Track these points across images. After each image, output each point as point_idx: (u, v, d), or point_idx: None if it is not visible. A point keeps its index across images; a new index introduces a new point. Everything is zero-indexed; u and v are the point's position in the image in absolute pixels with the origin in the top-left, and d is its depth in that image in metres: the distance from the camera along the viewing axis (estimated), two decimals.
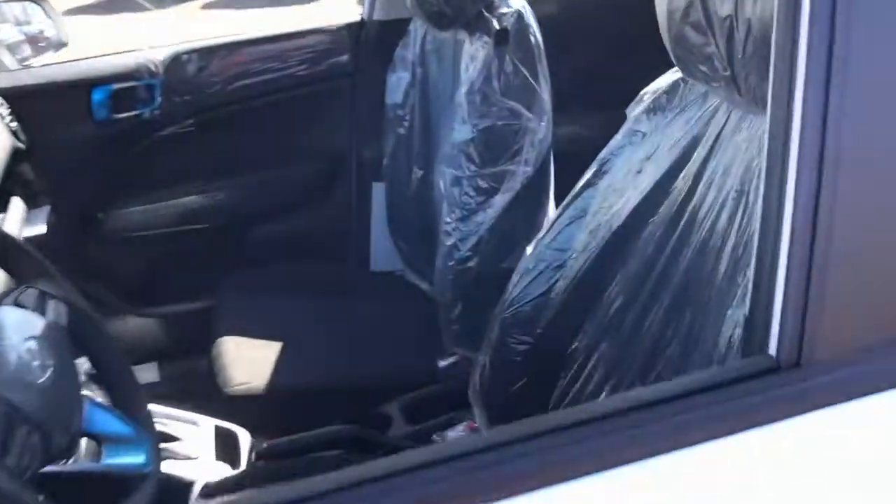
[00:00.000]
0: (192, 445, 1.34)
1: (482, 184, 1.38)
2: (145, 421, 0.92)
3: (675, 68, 1.09)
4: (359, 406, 1.48)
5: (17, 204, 1.68)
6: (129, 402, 0.93)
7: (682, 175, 0.96)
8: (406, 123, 1.79)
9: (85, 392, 0.89)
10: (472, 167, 1.38)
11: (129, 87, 1.78)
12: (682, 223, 0.95)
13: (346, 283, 1.94)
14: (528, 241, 1.43)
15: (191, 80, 1.84)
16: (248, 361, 1.53)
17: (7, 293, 0.88)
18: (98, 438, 0.87)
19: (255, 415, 1.43)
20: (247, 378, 1.47)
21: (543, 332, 1.13)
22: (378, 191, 2.01)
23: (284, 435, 1.44)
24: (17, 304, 0.87)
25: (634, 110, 1.08)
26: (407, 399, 1.47)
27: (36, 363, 0.79)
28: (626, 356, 1.03)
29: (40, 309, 0.88)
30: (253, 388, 1.44)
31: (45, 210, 1.75)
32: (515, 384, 1.16)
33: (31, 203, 1.75)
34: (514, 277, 1.16)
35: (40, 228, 1.68)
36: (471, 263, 1.41)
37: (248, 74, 1.89)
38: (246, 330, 1.64)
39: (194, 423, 1.39)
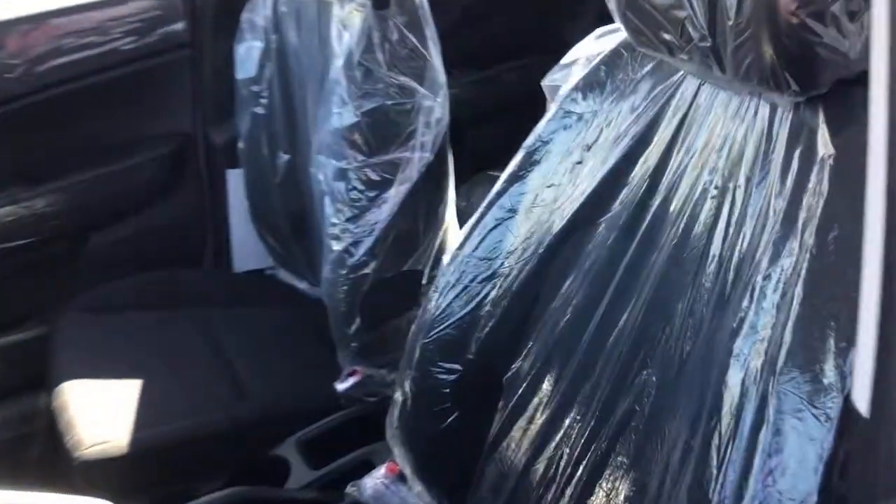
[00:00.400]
0: None
1: (373, 175, 1.16)
2: None
3: (602, 31, 0.92)
4: (245, 451, 1.25)
5: None
6: None
7: (638, 167, 0.79)
8: (264, 101, 1.52)
9: None
10: (360, 157, 1.15)
11: None
12: (644, 224, 0.79)
13: (207, 291, 1.67)
14: (432, 238, 1.25)
15: None
16: (100, 410, 1.25)
17: None
18: None
19: (117, 482, 1.17)
20: (100, 436, 1.20)
21: (475, 358, 0.94)
22: (234, 179, 1.74)
23: (159, 501, 1.19)
24: None
25: (562, 86, 0.90)
26: (304, 436, 1.25)
27: None
28: (583, 381, 0.86)
29: None
30: (110, 449, 1.17)
31: None
32: (445, 420, 0.97)
33: None
34: (433, 295, 0.96)
35: None
36: (367, 270, 1.20)
37: (59, 52, 1.55)
38: (91, 367, 1.36)
39: None
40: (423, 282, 1.26)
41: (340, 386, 1.32)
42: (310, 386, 1.34)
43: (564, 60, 0.96)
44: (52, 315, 1.58)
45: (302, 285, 1.68)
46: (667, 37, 0.70)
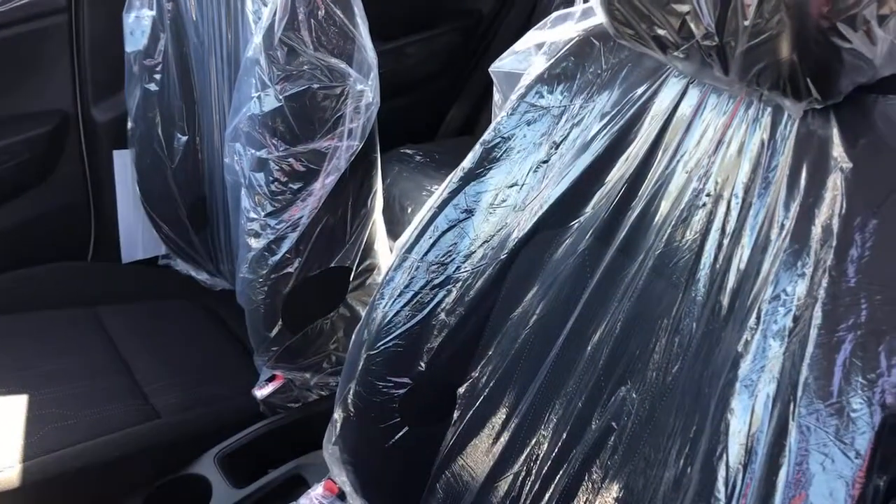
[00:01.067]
0: None
1: (297, 166, 1.05)
2: None
3: (558, 16, 0.85)
4: (157, 473, 1.13)
5: None
6: None
7: (616, 169, 0.74)
8: (158, 77, 1.37)
9: None
10: (282, 145, 1.04)
11: None
12: (623, 230, 0.73)
13: (96, 286, 1.51)
14: (360, 231, 1.16)
15: None
16: None
17: None
18: None
19: None
20: None
21: (427, 370, 0.87)
22: (121, 161, 1.57)
23: None
24: None
25: (523, 78, 0.83)
26: (222, 451, 1.14)
27: None
28: (551, 396, 0.80)
29: None
30: (2, 482, 1.03)
31: None
32: (393, 436, 0.89)
33: None
34: (379, 302, 0.87)
35: None
36: (290, 268, 1.10)
37: None
38: None
39: None
40: (350, 278, 1.17)
41: (259, 393, 1.21)
42: (223, 394, 1.23)
43: (517, 47, 0.88)
44: None
45: (201, 276, 1.55)
46: (661, 32, 0.63)
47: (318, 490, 0.98)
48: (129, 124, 1.46)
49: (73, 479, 1.06)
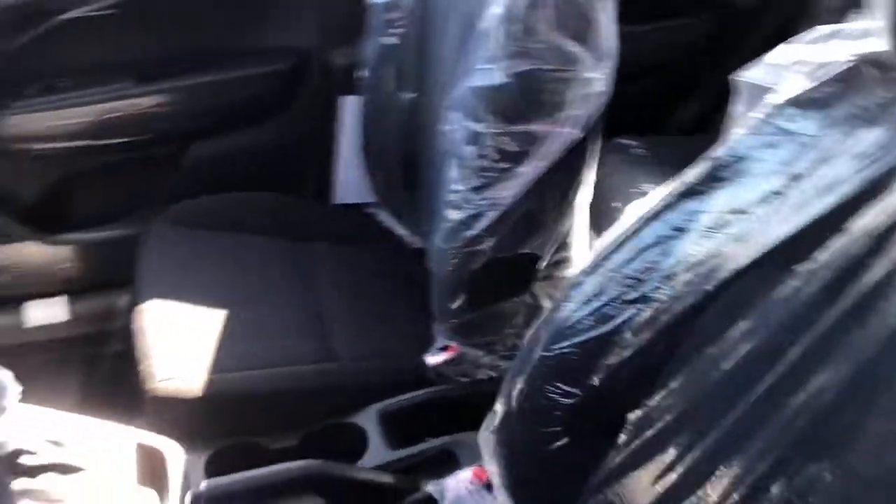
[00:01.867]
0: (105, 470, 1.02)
1: (509, 146, 1.02)
2: None
3: (832, 31, 0.75)
4: (325, 413, 1.16)
5: None
6: None
7: (863, 218, 0.64)
8: (397, 31, 1.39)
9: None
10: (499, 123, 1.01)
11: None
12: (859, 288, 0.63)
13: (307, 221, 1.57)
14: (560, 223, 1.11)
15: None
16: (178, 341, 1.18)
17: None
18: None
19: (185, 423, 1.10)
20: (174, 371, 1.13)
21: (599, 386, 0.81)
22: (348, 106, 1.62)
23: (228, 450, 1.12)
24: None
25: (772, 94, 0.74)
26: (387, 408, 1.15)
27: None
28: (731, 448, 0.73)
29: None
30: (182, 388, 1.10)
31: None
32: (551, 444, 0.85)
33: None
34: (564, 304, 0.83)
35: None
36: (482, 246, 1.08)
37: None
38: (176, 287, 1.29)
39: (107, 437, 1.05)
40: (541, 268, 1.13)
41: (432, 359, 1.22)
42: (398, 351, 1.24)
43: (770, 58, 0.79)
44: (143, 219, 1.53)
45: (401, 231, 1.58)
46: None
47: (466, 474, 0.96)
48: (363, 72, 1.50)
49: (245, 401, 1.12)
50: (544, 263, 1.13)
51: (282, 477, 1.00)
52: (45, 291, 1.68)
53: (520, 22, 0.97)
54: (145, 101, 1.52)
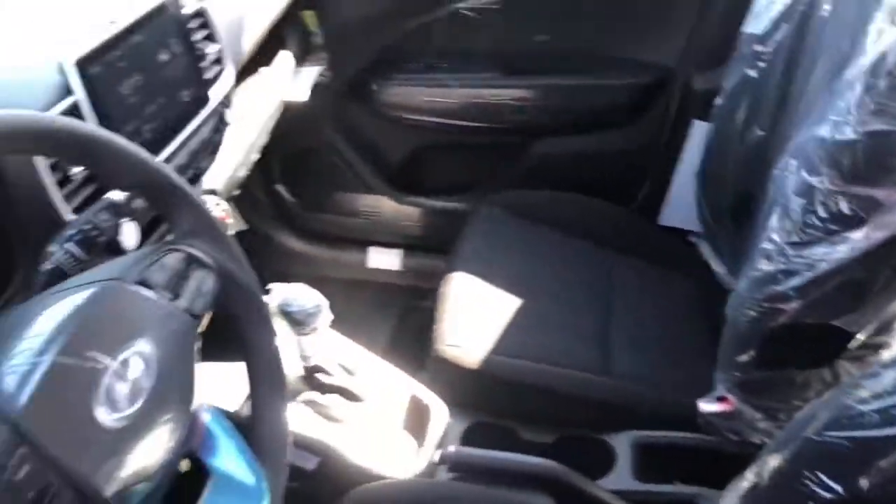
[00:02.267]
0: (381, 407, 1.15)
1: (843, 207, 0.94)
2: (276, 475, 0.70)
3: None
4: (582, 424, 1.18)
5: (285, 58, 1.51)
6: (267, 438, 0.72)
7: None
8: (762, 65, 1.33)
9: (207, 410, 0.68)
10: (837, 181, 0.93)
11: None
12: None
13: (627, 234, 1.58)
14: (885, 303, 1.00)
15: None
16: (473, 315, 1.27)
17: (151, 252, 0.67)
18: (203, 471, 0.66)
19: (456, 389, 1.19)
20: (460, 340, 1.22)
21: (866, 494, 0.73)
22: (697, 131, 1.59)
23: (486, 427, 1.19)
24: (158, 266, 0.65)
25: None
26: (643, 438, 1.14)
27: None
28: None
29: (180, 277, 0.66)
30: (462, 357, 1.19)
31: (313, 70, 1.56)
32: None
33: (303, 59, 1.58)
34: (854, 388, 0.75)
35: (304, 91, 1.51)
36: (787, 306, 1.00)
37: None
38: (486, 266, 1.38)
39: (390, 380, 1.18)
40: (852, 346, 1.02)
41: (705, 406, 1.17)
42: (674, 387, 1.21)
43: None
44: (476, 198, 1.65)
45: (719, 269, 1.52)
46: None
47: None
48: (718, 100, 1.46)
49: (511, 387, 1.18)
50: (858, 342, 1.03)
51: (525, 468, 1.04)
52: (387, 241, 1.91)
53: (885, 78, 0.88)
54: (507, 93, 1.64)
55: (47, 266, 0.70)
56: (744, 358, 1.08)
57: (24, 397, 0.52)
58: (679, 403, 1.18)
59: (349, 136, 1.77)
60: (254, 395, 0.74)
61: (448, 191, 1.80)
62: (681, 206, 1.65)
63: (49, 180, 0.78)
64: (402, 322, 1.85)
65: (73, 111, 0.81)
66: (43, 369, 0.53)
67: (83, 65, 0.83)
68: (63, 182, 0.80)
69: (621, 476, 1.10)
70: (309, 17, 1.59)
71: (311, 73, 1.54)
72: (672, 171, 1.65)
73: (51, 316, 0.57)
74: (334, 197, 1.88)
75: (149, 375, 0.58)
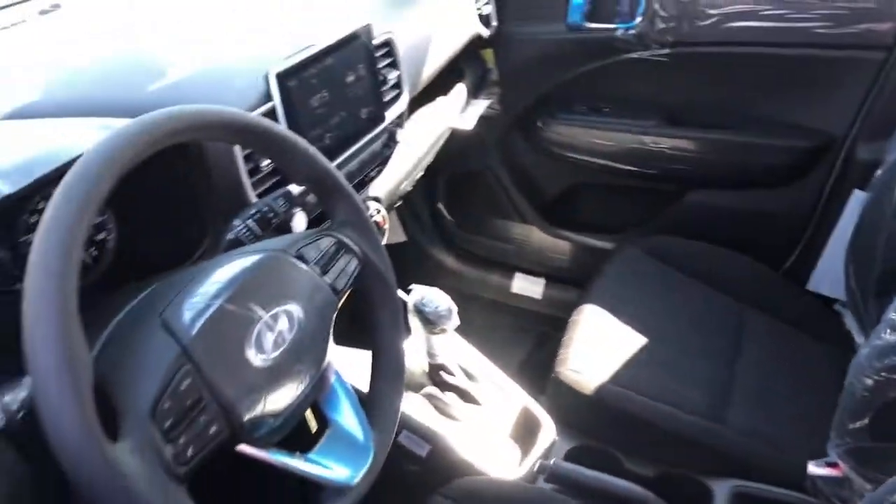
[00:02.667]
0: (492, 413, 1.24)
1: None
2: (383, 438, 0.81)
3: None
4: (680, 463, 1.21)
5: (460, 90, 1.65)
6: (381, 406, 0.83)
7: None
8: None
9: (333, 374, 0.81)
10: None
11: None
12: None
13: (766, 292, 1.59)
14: None
15: (681, 5, 1.57)
16: (597, 344, 1.34)
17: (311, 234, 0.81)
18: (319, 424, 0.79)
19: (569, 413, 1.26)
20: (581, 366, 1.29)
21: None
22: (856, 201, 1.57)
23: (590, 450, 1.25)
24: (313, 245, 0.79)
25: None
26: (745, 488, 1.16)
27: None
28: None
29: (329, 258, 0.80)
30: (580, 383, 1.26)
31: (484, 103, 1.70)
32: None
33: (477, 92, 1.72)
34: None
35: (471, 121, 1.64)
36: None
37: (755, 16, 1.55)
38: (617, 301, 1.44)
39: (507, 391, 1.27)
40: None
41: (814, 469, 1.17)
42: (787, 446, 1.22)
43: None
44: (619, 237, 1.71)
45: (859, 340, 1.49)
46: None
47: None
48: (878, 172, 1.45)
49: (621, 418, 1.23)
50: None
51: (621, 493, 1.09)
52: (532, 269, 2.01)
53: None
54: (667, 142, 1.69)
55: (230, 235, 0.85)
56: (857, 425, 1.08)
57: (195, 328, 0.66)
58: (788, 462, 1.19)
59: (510, 166, 1.89)
60: (374, 370, 0.86)
61: (596, 228, 1.87)
62: (831, 272, 1.63)
63: (242, 168, 0.94)
64: (537, 348, 1.93)
65: (271, 114, 0.98)
66: (212, 310, 0.67)
67: (283, 78, 1.00)
68: (253, 171, 0.97)
69: None
70: (488, 54, 1.73)
71: (482, 106, 1.67)
72: (826, 238, 1.63)
73: (226, 271, 0.72)
74: (489, 221, 2.00)
75: (291, 331, 0.72)
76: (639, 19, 1.59)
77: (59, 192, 0.58)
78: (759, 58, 1.58)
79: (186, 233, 0.94)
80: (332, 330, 0.78)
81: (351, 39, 1.13)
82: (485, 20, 1.62)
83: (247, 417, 0.67)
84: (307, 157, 0.81)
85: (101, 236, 0.88)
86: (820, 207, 1.65)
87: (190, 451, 0.62)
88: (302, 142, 0.80)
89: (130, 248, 0.90)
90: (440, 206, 2.04)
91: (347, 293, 0.81)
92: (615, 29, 1.61)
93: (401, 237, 2.04)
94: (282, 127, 0.80)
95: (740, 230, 1.70)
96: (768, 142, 1.63)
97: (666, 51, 1.61)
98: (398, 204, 1.52)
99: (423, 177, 1.64)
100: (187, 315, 0.67)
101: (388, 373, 0.85)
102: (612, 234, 1.84)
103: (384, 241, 1.24)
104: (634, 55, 1.63)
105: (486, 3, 1.63)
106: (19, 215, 0.75)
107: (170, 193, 0.93)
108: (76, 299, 0.56)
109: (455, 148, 1.70)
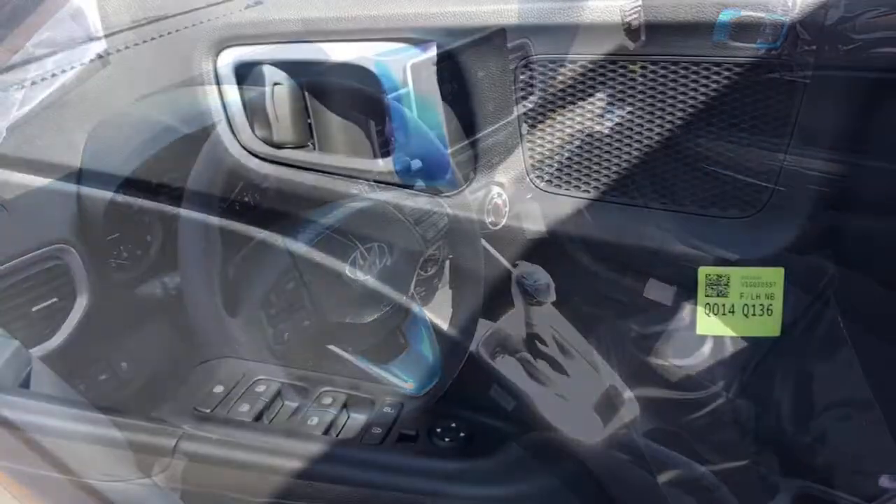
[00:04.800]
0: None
1: None
2: (448, 367, 0.97)
3: None
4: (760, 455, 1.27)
5: None
6: (454, 342, 0.99)
7: None
8: None
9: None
10: None
11: (756, 16, 1.64)
12: None
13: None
14: None
15: (826, 29, 1.59)
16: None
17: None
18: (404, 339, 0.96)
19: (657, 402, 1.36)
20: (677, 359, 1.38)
21: None
22: None
23: (665, 434, 1.34)
24: None
25: None
26: (811, 490, 1.20)
27: None
28: None
29: (424, 212, 0.97)
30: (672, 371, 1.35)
31: None
32: None
33: None
34: None
35: None
36: None
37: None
38: None
39: (598, 368, 1.38)
40: None
41: (885, 482, 1.19)
42: (863, 455, 1.24)
43: None
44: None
45: None
46: None
47: None
48: None
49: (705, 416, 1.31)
50: None
51: (689, 475, 1.18)
52: (666, 277, 2.06)
53: None
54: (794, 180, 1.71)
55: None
56: None
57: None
58: (860, 471, 1.22)
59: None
60: (453, 315, 1.02)
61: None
62: None
63: None
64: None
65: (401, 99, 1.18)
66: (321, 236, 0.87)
67: (416, 69, 1.19)
68: None
69: None
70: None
71: None
72: None
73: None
74: None
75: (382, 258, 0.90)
76: (781, 41, 1.64)
77: None
78: None
79: None
80: (415, 273, 0.95)
81: (484, 40, 1.31)
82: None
83: (336, 321, 0.86)
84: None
85: (148, 238, 1.13)
86: None
87: (286, 336, 0.82)
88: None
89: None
90: None
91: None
92: (758, 49, 1.67)
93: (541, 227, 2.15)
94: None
95: None
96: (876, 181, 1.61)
97: (808, 73, 1.64)
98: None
99: None
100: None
101: (463, 320, 1.01)
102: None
103: (502, 223, 1.40)
104: (774, 75, 1.67)
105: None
106: None
107: None
108: None
109: None
